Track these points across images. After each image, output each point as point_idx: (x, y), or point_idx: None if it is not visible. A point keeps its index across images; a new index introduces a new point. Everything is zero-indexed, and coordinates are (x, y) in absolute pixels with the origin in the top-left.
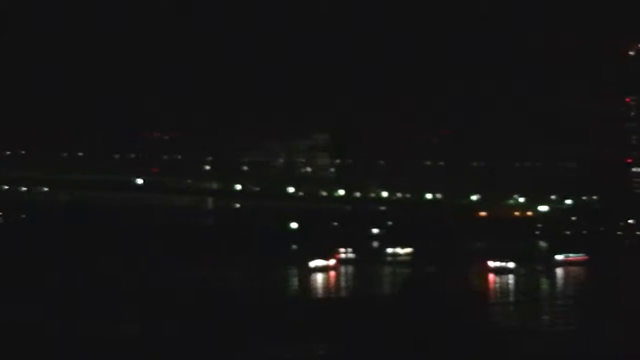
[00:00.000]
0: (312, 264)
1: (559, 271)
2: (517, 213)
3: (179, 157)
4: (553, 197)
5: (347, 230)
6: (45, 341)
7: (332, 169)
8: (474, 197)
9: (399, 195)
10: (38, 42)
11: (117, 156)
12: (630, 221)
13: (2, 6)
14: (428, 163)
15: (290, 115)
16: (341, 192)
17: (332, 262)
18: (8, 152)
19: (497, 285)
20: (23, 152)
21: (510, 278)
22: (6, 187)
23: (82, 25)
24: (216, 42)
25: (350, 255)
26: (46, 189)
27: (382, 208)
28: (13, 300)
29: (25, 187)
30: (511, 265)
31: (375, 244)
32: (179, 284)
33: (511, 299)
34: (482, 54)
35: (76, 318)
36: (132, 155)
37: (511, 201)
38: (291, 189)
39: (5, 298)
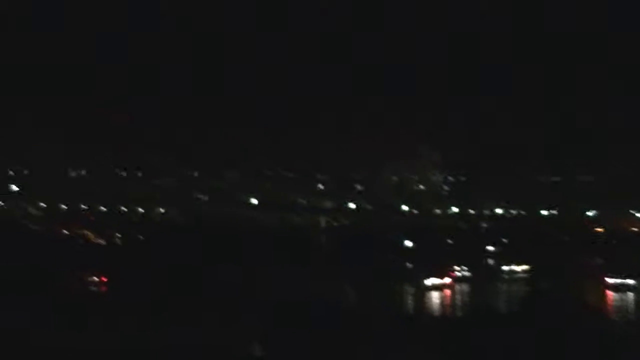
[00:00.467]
0: (428, 282)
1: None
2: (635, 229)
3: (291, 175)
4: None
5: (462, 248)
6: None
7: (446, 186)
8: (590, 212)
9: (513, 211)
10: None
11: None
12: None
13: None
14: (542, 178)
15: (401, 131)
16: (455, 209)
17: (447, 280)
18: (124, 173)
19: (616, 302)
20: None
21: (630, 295)
22: (124, 208)
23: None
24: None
25: (466, 273)
26: (162, 210)
27: (497, 225)
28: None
29: (139, 207)
30: (631, 282)
31: (491, 261)
32: (294, 301)
33: (631, 316)
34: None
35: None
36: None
37: (629, 216)
38: (405, 207)
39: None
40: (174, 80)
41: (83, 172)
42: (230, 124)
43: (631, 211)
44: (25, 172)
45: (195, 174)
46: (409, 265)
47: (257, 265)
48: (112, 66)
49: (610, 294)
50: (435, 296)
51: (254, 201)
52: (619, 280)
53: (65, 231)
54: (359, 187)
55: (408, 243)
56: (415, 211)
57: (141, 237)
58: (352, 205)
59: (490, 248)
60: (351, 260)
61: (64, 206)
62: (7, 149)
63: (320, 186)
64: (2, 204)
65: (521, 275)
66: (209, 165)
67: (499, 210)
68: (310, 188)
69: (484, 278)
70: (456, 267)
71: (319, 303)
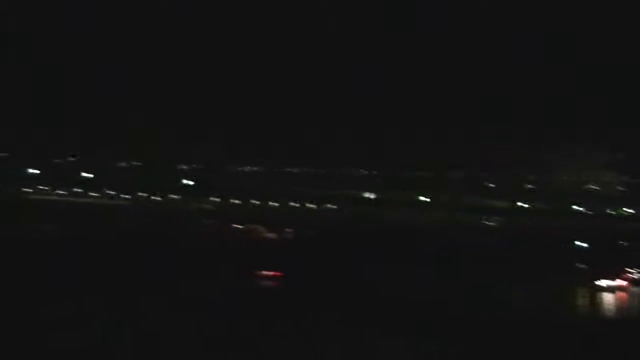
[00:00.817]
0: (601, 283)
1: None
2: None
3: (461, 173)
4: None
5: (637, 250)
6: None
7: (620, 187)
8: None
9: None
10: None
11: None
12: None
13: None
14: None
15: (571, 131)
16: (630, 210)
17: (622, 282)
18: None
19: None
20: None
21: None
22: (295, 203)
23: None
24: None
25: None
26: (333, 206)
27: None
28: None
29: (311, 203)
30: None
31: None
32: (466, 304)
33: None
34: None
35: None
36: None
37: None
38: (578, 207)
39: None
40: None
41: (256, 168)
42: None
43: None
44: (199, 166)
45: (364, 171)
46: (581, 266)
47: (424, 265)
48: None
49: None
50: (608, 298)
51: (425, 199)
52: None
53: (237, 226)
54: (530, 186)
55: (581, 244)
56: (588, 212)
57: (312, 232)
58: (523, 205)
59: None
60: (523, 261)
61: (236, 201)
62: (182, 144)
63: (491, 185)
64: (176, 198)
65: None
66: (377, 163)
67: None
68: (481, 187)
69: None
70: (631, 270)
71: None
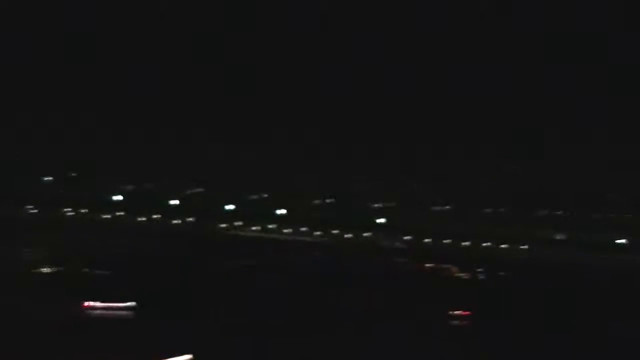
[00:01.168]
0: None
1: None
2: None
3: None
4: None
5: None
6: None
7: None
8: None
9: None
10: None
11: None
12: None
13: None
14: None
15: None
16: None
17: None
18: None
19: None
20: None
21: None
22: (487, 243)
23: None
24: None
25: None
26: (525, 247)
27: None
28: None
29: (502, 243)
30: None
31: None
32: None
33: None
34: None
35: None
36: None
37: None
38: None
39: None
40: None
41: (447, 207)
42: None
43: None
44: (392, 205)
45: (557, 212)
46: None
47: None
48: None
49: None
50: None
51: (620, 241)
52: None
53: (429, 264)
54: None
55: None
56: None
57: (504, 273)
58: None
59: None
60: None
61: (428, 240)
62: (376, 184)
63: None
64: (369, 234)
65: None
66: (572, 205)
67: None
68: None
69: None
70: None
71: None
